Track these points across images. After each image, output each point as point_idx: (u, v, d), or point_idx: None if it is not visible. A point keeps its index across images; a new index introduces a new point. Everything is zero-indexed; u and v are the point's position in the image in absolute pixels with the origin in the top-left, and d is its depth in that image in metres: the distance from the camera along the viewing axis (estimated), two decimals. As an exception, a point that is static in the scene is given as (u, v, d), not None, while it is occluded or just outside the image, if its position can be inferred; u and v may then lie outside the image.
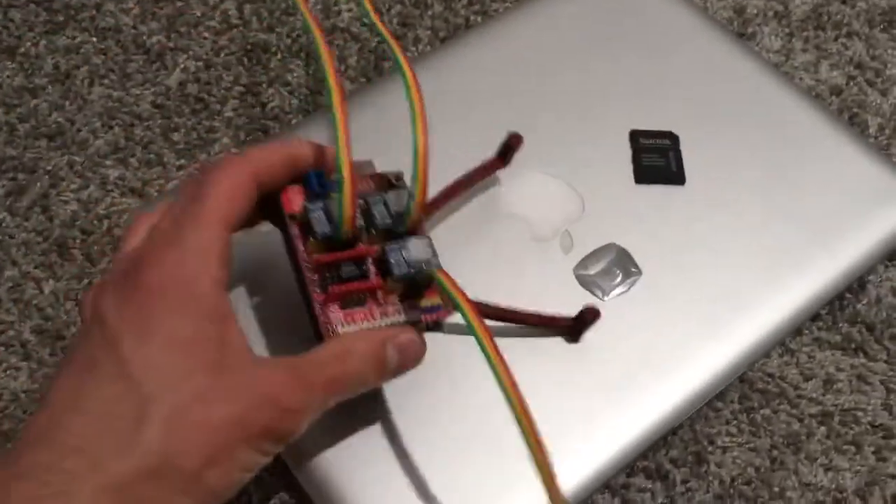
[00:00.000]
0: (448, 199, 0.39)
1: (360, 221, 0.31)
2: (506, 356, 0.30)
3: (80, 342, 0.28)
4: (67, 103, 0.46)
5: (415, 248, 0.31)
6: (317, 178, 0.32)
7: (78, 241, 0.41)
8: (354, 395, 0.30)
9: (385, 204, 0.32)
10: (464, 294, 0.30)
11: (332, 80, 0.31)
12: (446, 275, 0.31)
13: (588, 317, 0.36)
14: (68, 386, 0.27)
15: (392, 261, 0.31)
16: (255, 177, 0.30)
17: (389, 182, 0.34)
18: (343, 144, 0.30)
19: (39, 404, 0.27)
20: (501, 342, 0.31)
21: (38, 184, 0.43)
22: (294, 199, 0.32)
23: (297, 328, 0.33)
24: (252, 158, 0.30)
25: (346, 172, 0.30)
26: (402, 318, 0.31)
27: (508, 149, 0.41)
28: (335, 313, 0.30)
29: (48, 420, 0.26)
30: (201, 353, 0.27)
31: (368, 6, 0.34)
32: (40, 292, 0.40)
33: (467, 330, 0.30)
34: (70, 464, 0.25)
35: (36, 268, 0.40)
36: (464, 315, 0.30)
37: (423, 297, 0.32)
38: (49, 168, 0.43)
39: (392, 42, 0.33)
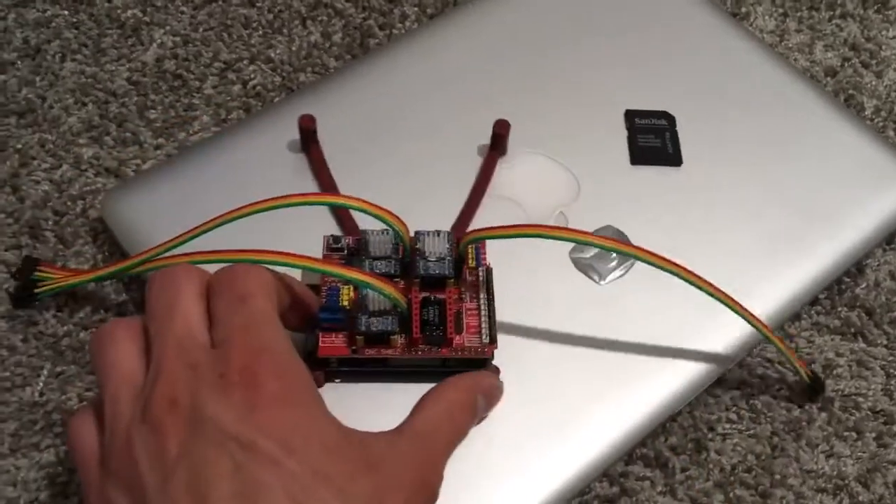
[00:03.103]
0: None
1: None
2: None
3: (216, 475, 0.23)
4: (38, 79, 0.43)
5: (431, 245, 0.33)
6: (330, 312, 0.32)
7: (50, 222, 0.39)
8: None
9: (377, 258, 0.33)
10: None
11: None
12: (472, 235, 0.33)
13: (500, 130, 0.38)
14: None
15: (435, 269, 0.32)
16: (277, 289, 0.29)
17: (355, 249, 0.34)
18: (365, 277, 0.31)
19: None
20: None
21: (8, 163, 0.41)
22: (335, 341, 0.32)
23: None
24: (273, 277, 0.29)
25: (374, 280, 0.31)
26: (482, 286, 0.33)
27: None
28: (468, 341, 0.32)
29: None
30: (352, 453, 0.26)
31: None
32: (12, 277, 0.38)
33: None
34: None
35: (7, 250, 0.38)
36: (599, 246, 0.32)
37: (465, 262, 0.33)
38: (19, 146, 0.41)
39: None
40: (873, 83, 0.46)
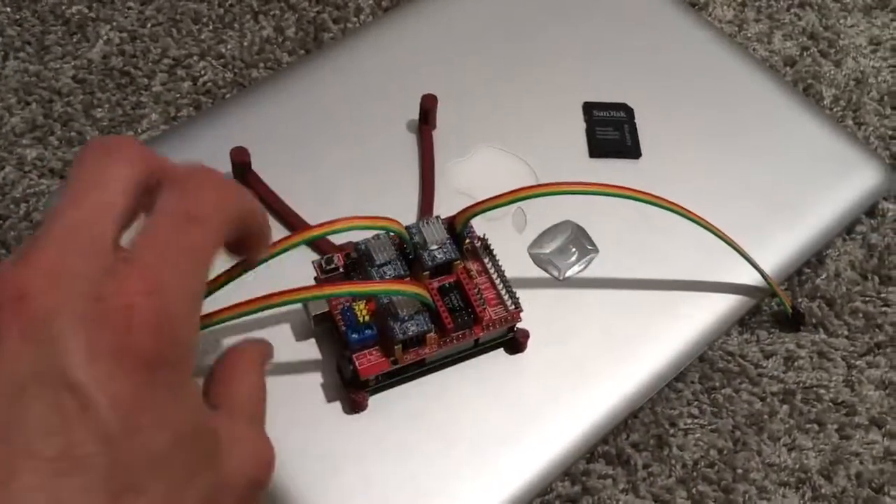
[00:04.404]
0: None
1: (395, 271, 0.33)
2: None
3: (32, 425, 0.18)
4: (-21, 78, 0.42)
5: (430, 234, 0.33)
6: (359, 332, 0.31)
7: (-8, 226, 0.38)
8: None
9: (383, 264, 0.33)
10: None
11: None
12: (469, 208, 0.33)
13: (428, 104, 0.38)
14: (44, 498, 0.18)
15: (440, 255, 0.32)
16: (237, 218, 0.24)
17: (353, 263, 0.34)
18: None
19: None
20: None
21: (-53, 165, 0.39)
22: (372, 359, 0.32)
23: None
24: (241, 204, 0.24)
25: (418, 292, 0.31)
26: (485, 257, 0.34)
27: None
28: (495, 313, 0.33)
29: None
30: (201, 445, 0.21)
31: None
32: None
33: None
34: None
35: (-54, 257, 0.37)
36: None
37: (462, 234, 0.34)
38: (-41, 148, 0.40)
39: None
40: (832, 72, 0.46)
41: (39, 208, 0.38)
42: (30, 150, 0.40)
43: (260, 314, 0.33)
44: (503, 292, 0.33)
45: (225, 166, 0.37)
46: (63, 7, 0.44)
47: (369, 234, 0.33)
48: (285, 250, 0.29)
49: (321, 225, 0.30)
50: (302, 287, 0.29)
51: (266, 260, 0.28)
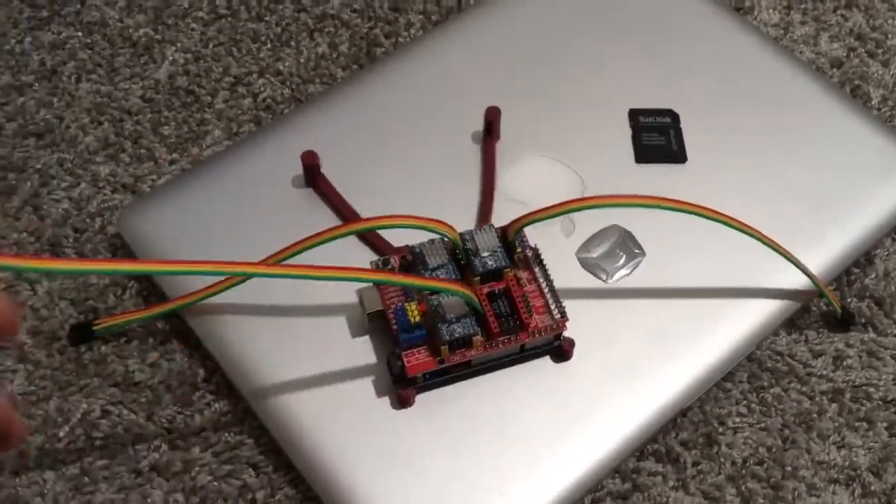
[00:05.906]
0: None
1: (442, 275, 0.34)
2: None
3: None
4: (55, 100, 0.45)
5: (482, 242, 0.34)
6: (409, 332, 0.33)
7: (71, 239, 0.40)
8: None
9: (436, 268, 0.34)
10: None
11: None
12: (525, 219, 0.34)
13: (491, 116, 0.39)
14: None
15: (491, 262, 0.34)
16: None
17: (407, 266, 0.36)
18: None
19: None
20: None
21: (28, 183, 0.42)
22: (420, 357, 0.33)
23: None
24: None
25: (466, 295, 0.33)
26: (535, 266, 0.35)
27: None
28: (541, 321, 0.34)
29: None
30: None
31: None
32: (34, 293, 0.39)
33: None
34: None
35: (29, 268, 0.40)
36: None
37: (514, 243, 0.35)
38: (38, 166, 0.42)
39: None
40: (880, 72, 0.46)
41: (113, 221, 0.41)
42: (103, 167, 0.43)
43: (319, 313, 0.35)
44: (551, 302, 0.34)
45: (286, 178, 0.39)
46: (131, 30, 0.47)
47: (425, 238, 0.34)
48: (340, 237, 0.32)
49: (376, 218, 0.32)
50: (358, 268, 0.31)
51: (323, 242, 0.32)
